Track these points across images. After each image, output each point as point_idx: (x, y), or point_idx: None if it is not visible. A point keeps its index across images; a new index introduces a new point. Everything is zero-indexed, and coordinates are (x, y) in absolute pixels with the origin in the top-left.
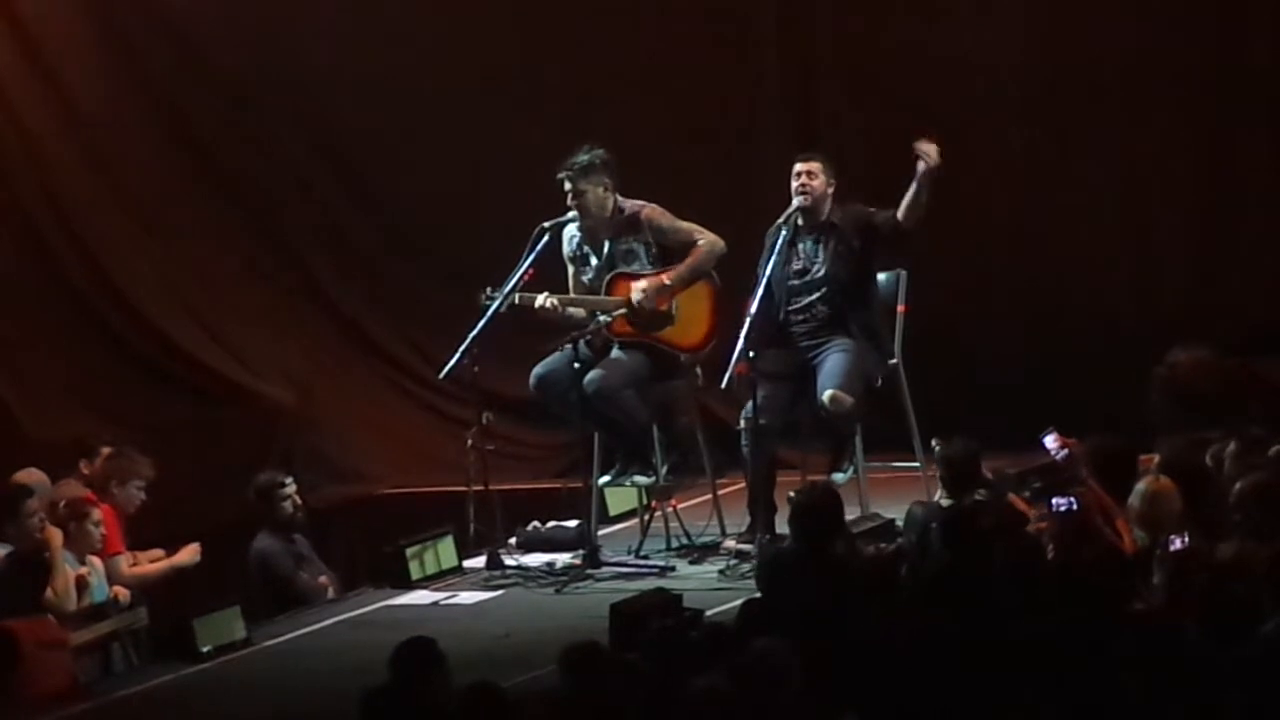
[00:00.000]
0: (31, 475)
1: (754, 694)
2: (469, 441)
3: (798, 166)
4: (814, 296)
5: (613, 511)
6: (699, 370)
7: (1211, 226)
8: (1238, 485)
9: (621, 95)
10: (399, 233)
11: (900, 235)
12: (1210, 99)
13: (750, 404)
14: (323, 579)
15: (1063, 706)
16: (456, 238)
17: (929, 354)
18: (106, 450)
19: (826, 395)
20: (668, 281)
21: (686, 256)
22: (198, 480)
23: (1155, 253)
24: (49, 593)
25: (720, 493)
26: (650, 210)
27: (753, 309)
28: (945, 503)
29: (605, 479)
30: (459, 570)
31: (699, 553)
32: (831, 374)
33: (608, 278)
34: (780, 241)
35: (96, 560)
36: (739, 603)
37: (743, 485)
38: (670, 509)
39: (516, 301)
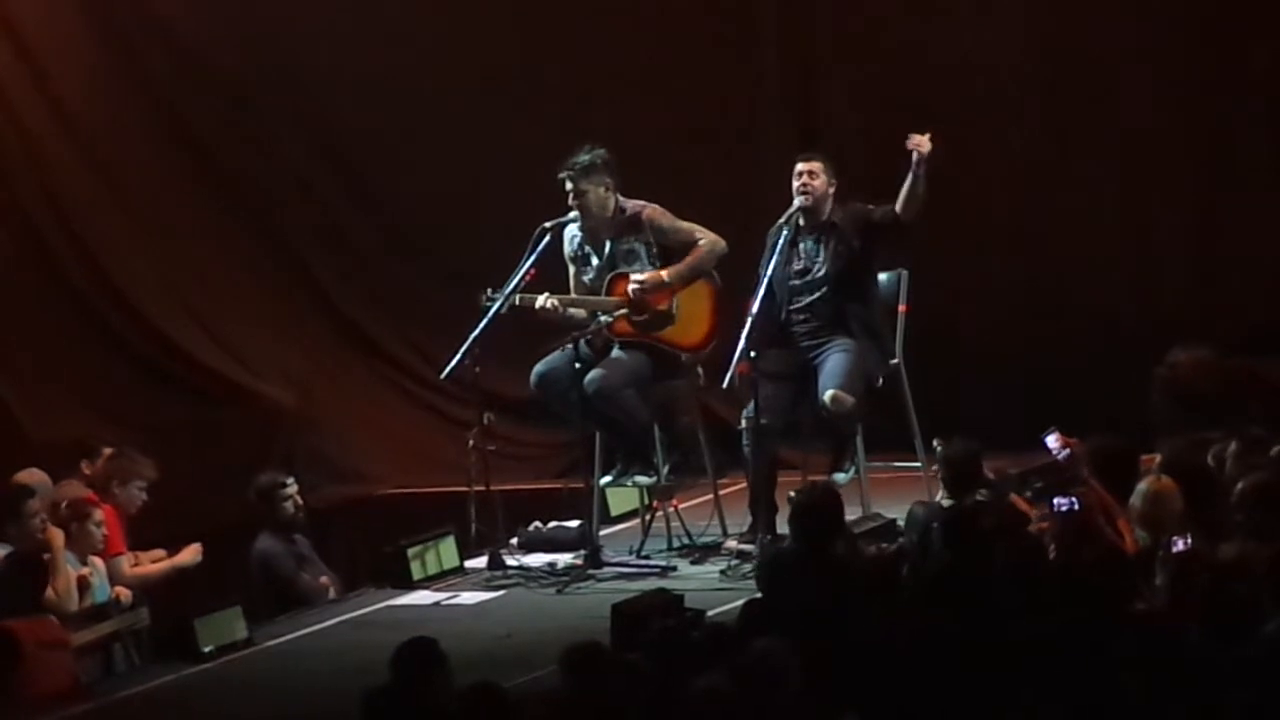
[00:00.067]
0: (33, 476)
1: (754, 694)
2: (470, 442)
3: (799, 166)
4: (815, 296)
5: (614, 512)
6: (700, 370)
7: (1211, 226)
8: (1239, 485)
9: (621, 95)
10: (399, 233)
11: (899, 228)
12: (1210, 99)
13: (751, 404)
14: (324, 579)
15: (1064, 707)
16: (456, 238)
17: (930, 354)
18: (108, 451)
19: (828, 395)
20: (666, 278)
21: (687, 256)
22: (198, 481)
23: (1155, 253)
24: (50, 593)
25: (721, 493)
26: (651, 210)
27: (754, 309)
28: (946, 503)
29: (606, 479)
30: (460, 570)
31: (700, 553)
32: (833, 374)
33: (609, 278)
34: (781, 241)
35: (98, 560)
36: (740, 603)
37: (744, 485)
38: (671, 509)
39: (517, 302)
